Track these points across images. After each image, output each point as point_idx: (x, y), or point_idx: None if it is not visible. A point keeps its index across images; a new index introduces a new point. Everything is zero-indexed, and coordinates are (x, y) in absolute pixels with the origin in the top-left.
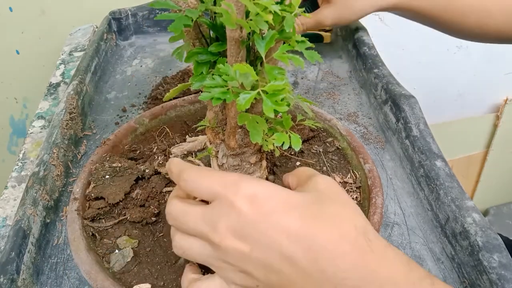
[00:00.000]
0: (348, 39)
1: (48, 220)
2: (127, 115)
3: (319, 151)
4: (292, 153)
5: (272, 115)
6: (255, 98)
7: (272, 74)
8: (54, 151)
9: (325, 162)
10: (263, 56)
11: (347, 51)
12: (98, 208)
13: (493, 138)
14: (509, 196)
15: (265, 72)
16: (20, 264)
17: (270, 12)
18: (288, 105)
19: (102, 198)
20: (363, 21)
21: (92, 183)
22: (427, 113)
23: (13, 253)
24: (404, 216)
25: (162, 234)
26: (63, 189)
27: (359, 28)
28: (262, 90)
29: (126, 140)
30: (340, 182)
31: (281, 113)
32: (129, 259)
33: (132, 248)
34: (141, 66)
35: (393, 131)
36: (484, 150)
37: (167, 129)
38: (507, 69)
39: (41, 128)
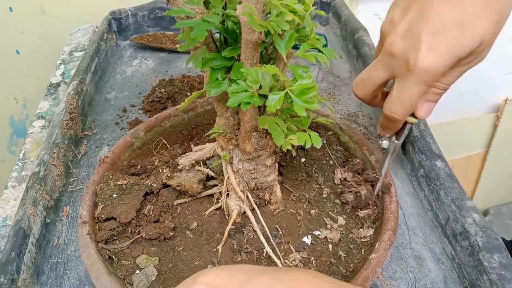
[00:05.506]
0: (349, 39)
1: (48, 220)
2: (127, 115)
3: (323, 143)
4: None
5: (304, 114)
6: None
7: (298, 73)
8: (54, 151)
9: (331, 155)
10: (284, 56)
11: (347, 51)
12: (110, 229)
13: (493, 138)
14: (509, 196)
15: (291, 71)
16: (20, 264)
17: (294, 11)
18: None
19: (113, 218)
20: (363, 21)
21: (100, 204)
22: None
23: (13, 253)
24: (404, 216)
25: (182, 248)
26: (63, 189)
27: (359, 28)
28: (289, 90)
29: (124, 156)
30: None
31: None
32: (153, 278)
33: (153, 266)
34: (141, 66)
35: None
36: (484, 150)
37: (164, 141)
38: (507, 69)
39: (41, 128)
